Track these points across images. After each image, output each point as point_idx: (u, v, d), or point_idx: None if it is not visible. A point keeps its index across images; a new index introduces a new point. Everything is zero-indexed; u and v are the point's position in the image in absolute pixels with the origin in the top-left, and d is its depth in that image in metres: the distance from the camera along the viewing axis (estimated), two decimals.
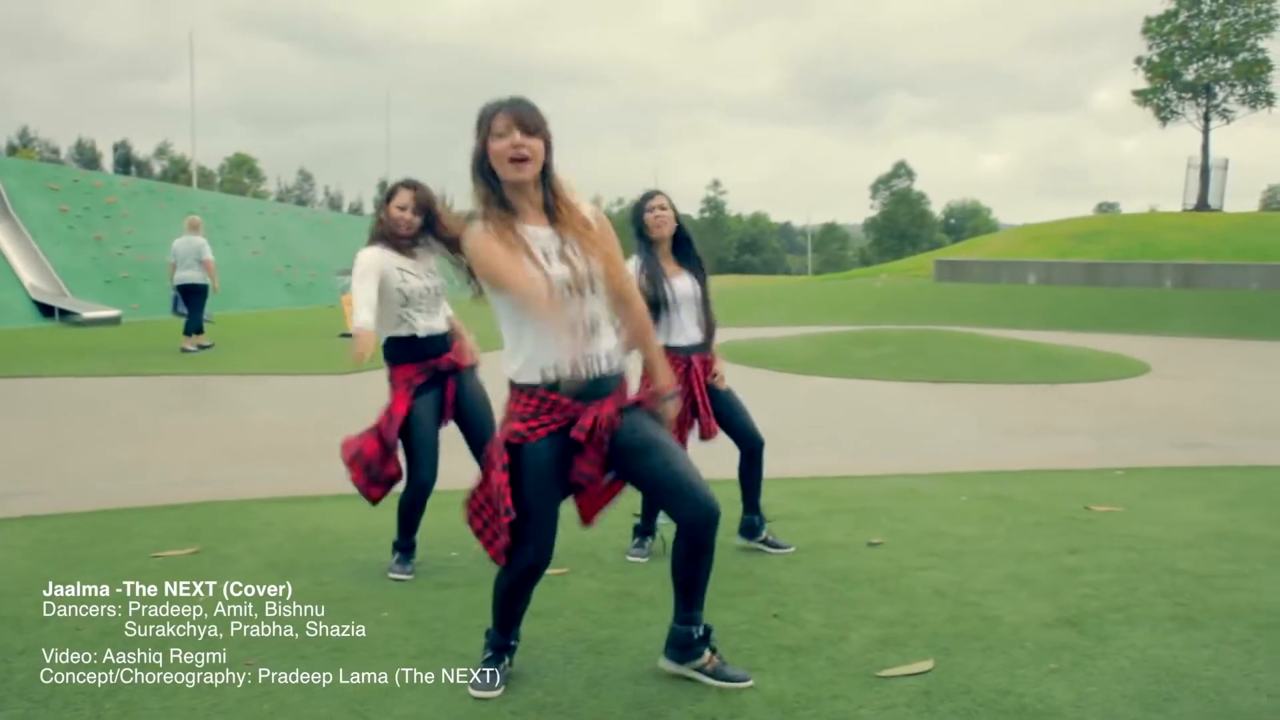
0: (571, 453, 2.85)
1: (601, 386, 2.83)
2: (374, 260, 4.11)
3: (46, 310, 25.48)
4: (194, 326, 15.28)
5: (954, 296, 29.18)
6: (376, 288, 4.08)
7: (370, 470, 4.16)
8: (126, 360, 14.51)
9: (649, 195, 4.45)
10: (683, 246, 4.50)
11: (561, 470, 2.86)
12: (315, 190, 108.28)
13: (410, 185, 4.18)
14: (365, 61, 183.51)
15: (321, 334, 19.52)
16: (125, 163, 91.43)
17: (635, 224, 4.44)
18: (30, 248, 27.41)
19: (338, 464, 6.95)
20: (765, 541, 4.56)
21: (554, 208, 2.85)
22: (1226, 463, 6.96)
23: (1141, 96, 48.46)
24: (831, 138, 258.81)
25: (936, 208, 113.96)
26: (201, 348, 15.13)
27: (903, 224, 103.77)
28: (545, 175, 2.84)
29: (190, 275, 15.15)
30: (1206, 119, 46.70)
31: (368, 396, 10.31)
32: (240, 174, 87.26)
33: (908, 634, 3.37)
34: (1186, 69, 46.72)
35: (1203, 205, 44.73)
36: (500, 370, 2.93)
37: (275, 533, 4.90)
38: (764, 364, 13.16)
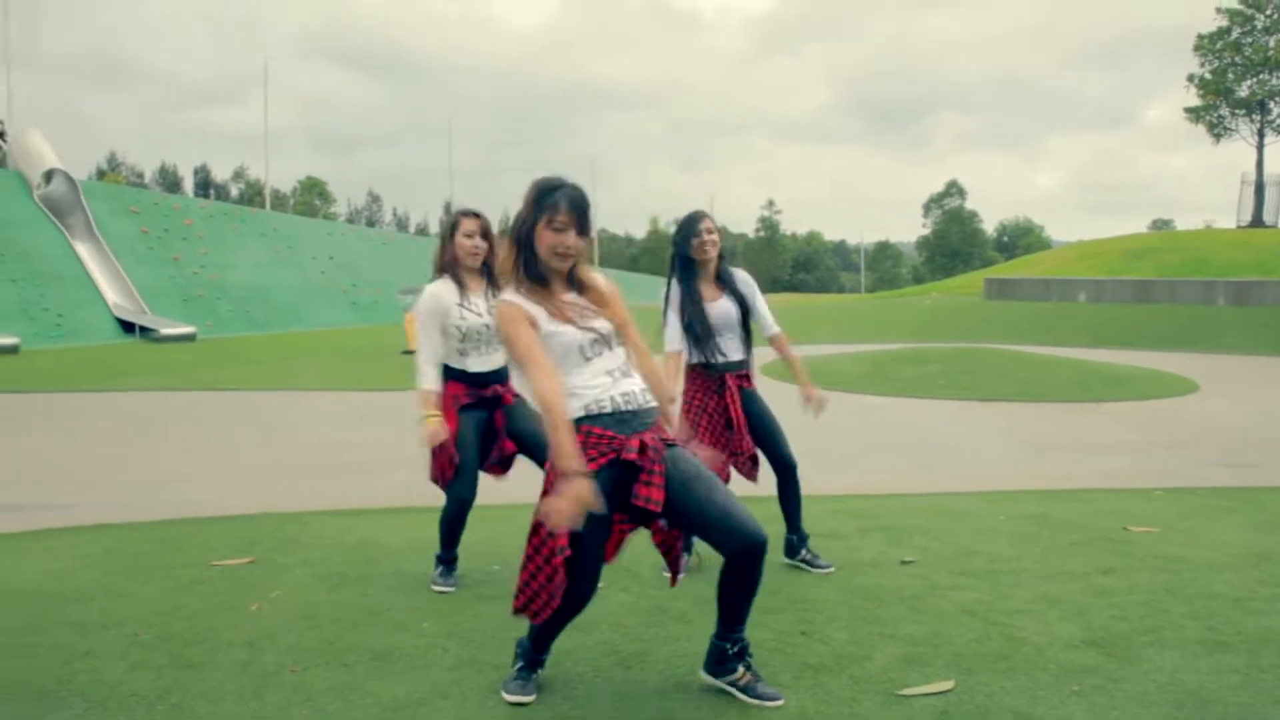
0: (624, 483, 2.95)
1: (640, 419, 2.97)
2: (435, 305, 4.26)
3: (128, 327, 26.37)
4: None
5: (1003, 314, 28.81)
6: (439, 334, 4.24)
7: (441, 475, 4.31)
8: (197, 375, 15.01)
9: (697, 218, 4.50)
10: (723, 268, 4.59)
11: (612, 504, 2.95)
12: (384, 211, 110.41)
13: (474, 214, 4.34)
14: (426, 86, 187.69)
15: (384, 352, 19.91)
16: (205, 186, 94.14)
17: (680, 246, 4.52)
18: (114, 268, 28.41)
19: (389, 478, 7.19)
20: (805, 560, 4.62)
21: (577, 281, 3.02)
22: (1271, 483, 6.83)
23: (1194, 114, 47.76)
24: (882, 156, 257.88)
25: (989, 226, 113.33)
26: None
27: (954, 242, 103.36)
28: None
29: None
30: (1261, 135, 45.84)
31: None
32: (311, 196, 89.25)
33: (931, 653, 3.42)
34: (1240, 85, 45.94)
35: (1257, 222, 43.81)
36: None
37: (325, 544, 5.08)
38: (813, 382, 13.18)
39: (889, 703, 3.00)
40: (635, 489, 2.93)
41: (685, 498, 2.94)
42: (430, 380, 4.24)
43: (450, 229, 4.36)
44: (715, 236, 4.50)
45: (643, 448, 2.92)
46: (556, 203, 2.91)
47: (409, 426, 10.01)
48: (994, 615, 3.84)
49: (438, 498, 4.62)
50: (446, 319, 4.25)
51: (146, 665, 3.36)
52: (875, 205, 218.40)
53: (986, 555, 4.78)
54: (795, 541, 4.67)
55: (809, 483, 5.70)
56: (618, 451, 2.91)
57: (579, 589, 2.96)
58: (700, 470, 3.00)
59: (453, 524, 4.35)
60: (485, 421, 4.34)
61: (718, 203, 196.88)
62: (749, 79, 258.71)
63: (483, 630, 3.70)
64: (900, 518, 5.63)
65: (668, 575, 4.38)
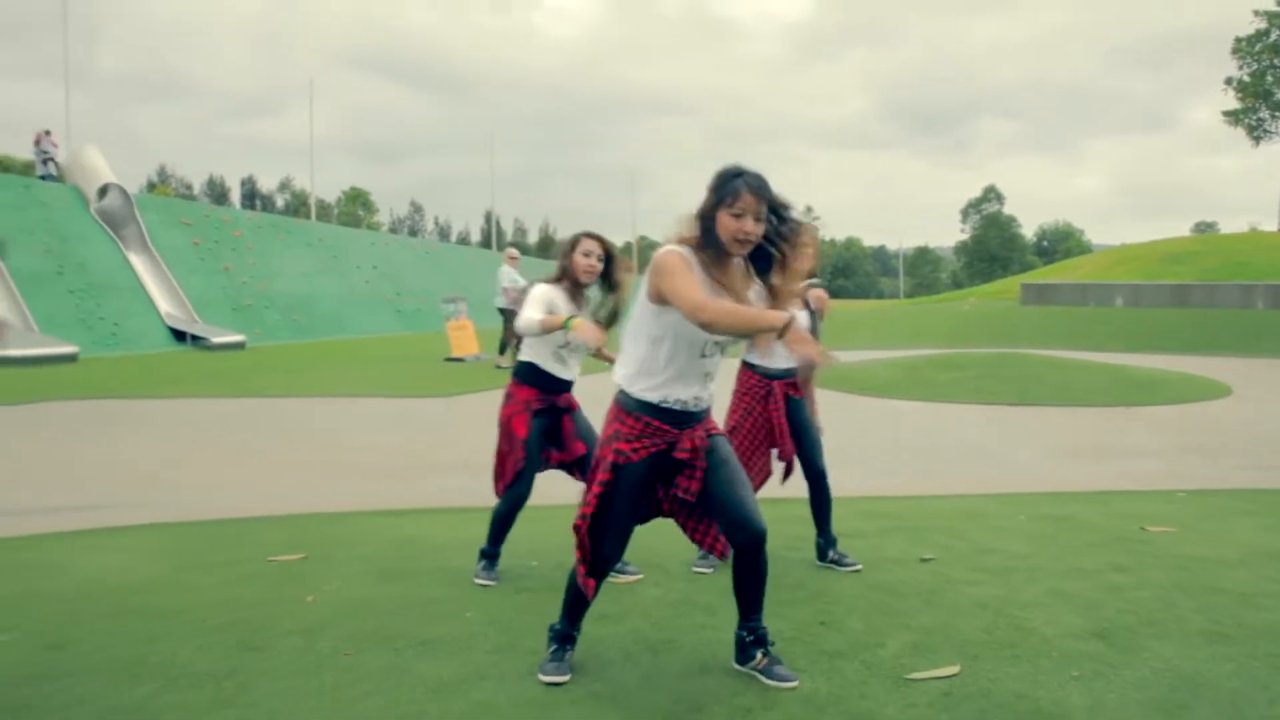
0: (664, 472, 3.26)
1: (697, 417, 3.25)
2: (547, 300, 4.47)
3: (180, 335, 27.03)
4: (504, 346, 16.31)
5: (1039, 320, 28.65)
6: (539, 316, 4.44)
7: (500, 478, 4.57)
8: (247, 382, 15.45)
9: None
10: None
11: (651, 488, 3.27)
12: (426, 221, 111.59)
13: (595, 236, 4.58)
14: (468, 97, 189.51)
15: (428, 359, 20.28)
16: (252, 197, 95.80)
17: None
18: (166, 278, 29.13)
19: (432, 481, 7.47)
20: (833, 561, 4.83)
21: (771, 277, 3.20)
22: None
23: (1233, 117, 47.16)
24: (921, 162, 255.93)
25: (1028, 230, 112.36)
26: (499, 367, 16.12)
27: (993, 247, 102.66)
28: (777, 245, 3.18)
29: (499, 301, 16.24)
30: None
31: (465, 418, 10.83)
32: (355, 206, 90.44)
33: (942, 642, 3.62)
34: (1279, 88, 45.28)
35: None
36: (612, 380, 3.31)
37: (374, 541, 5.37)
38: (845, 387, 13.34)
39: (896, 685, 3.21)
40: (677, 479, 3.23)
41: (712, 478, 3.23)
42: (534, 314, 4.39)
43: (571, 245, 4.58)
44: (812, 251, 4.71)
45: (692, 448, 3.19)
46: (736, 190, 3.06)
47: (452, 431, 10.30)
48: (1005, 608, 4.03)
49: (478, 499, 4.90)
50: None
51: (212, 648, 3.66)
52: (914, 210, 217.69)
53: (1004, 553, 4.96)
54: (824, 545, 4.89)
55: (839, 485, 5.91)
56: (670, 445, 3.19)
57: (606, 548, 3.24)
58: (730, 460, 3.28)
59: (504, 520, 4.61)
60: (550, 427, 4.60)
61: None
62: (788, 86, 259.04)
63: (521, 619, 3.95)
64: (923, 518, 5.82)
65: (700, 570, 4.65)
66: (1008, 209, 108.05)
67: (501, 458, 4.53)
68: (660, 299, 3.11)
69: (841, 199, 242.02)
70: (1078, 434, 10.15)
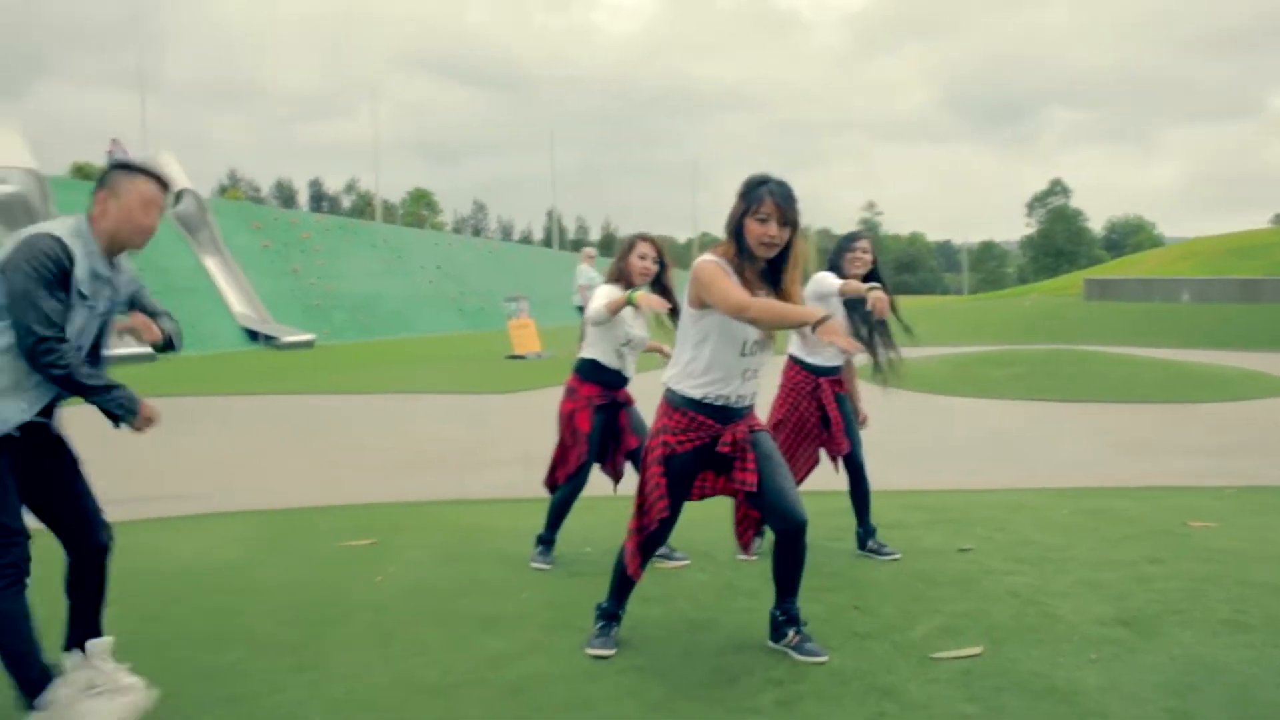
0: (707, 463, 3.51)
1: (740, 413, 3.50)
2: (611, 290, 4.73)
3: (252, 335, 27.89)
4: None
5: (1103, 315, 28.21)
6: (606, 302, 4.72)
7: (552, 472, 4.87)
8: (316, 380, 16.00)
9: (855, 237, 4.98)
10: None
11: (694, 476, 3.54)
12: (489, 220, 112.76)
13: (650, 239, 4.85)
14: (529, 96, 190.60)
15: (490, 357, 20.71)
16: (319, 198, 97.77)
17: (834, 256, 4.96)
18: (239, 279, 30.06)
19: (493, 473, 7.79)
20: (872, 550, 5.03)
21: (783, 290, 3.42)
22: None
23: None
24: (987, 154, 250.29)
25: (1096, 224, 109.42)
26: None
27: (1059, 241, 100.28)
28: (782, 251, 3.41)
29: (576, 299, 16.75)
30: None
31: (525, 414, 11.15)
32: (419, 207, 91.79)
33: (969, 625, 3.82)
34: None
35: None
36: (661, 380, 3.58)
37: (438, 529, 5.70)
38: (898, 383, 13.43)
39: (920, 664, 3.42)
40: (733, 474, 3.48)
41: (758, 473, 3.46)
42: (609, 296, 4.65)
43: (628, 247, 4.84)
44: (868, 257, 4.93)
45: (734, 442, 3.44)
46: (760, 197, 3.31)
47: (512, 426, 10.63)
48: (1036, 596, 4.20)
49: (536, 491, 5.19)
50: (620, 317, 4.70)
51: (290, 621, 4.00)
52: (980, 204, 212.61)
53: (1041, 545, 5.11)
54: (863, 534, 5.08)
55: (884, 479, 6.09)
56: (713, 439, 3.45)
57: (657, 532, 3.54)
58: (773, 454, 3.53)
59: (562, 508, 4.89)
60: (608, 422, 4.86)
61: (818, 204, 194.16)
62: (850, 78, 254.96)
63: (573, 600, 4.22)
64: (965, 511, 5.97)
65: (744, 557, 4.88)
66: (1075, 202, 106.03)
67: (564, 449, 4.81)
68: (701, 305, 3.38)
69: (905, 193, 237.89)
70: (1131, 430, 10.16)
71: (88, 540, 3.11)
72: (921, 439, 9.64)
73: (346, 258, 36.45)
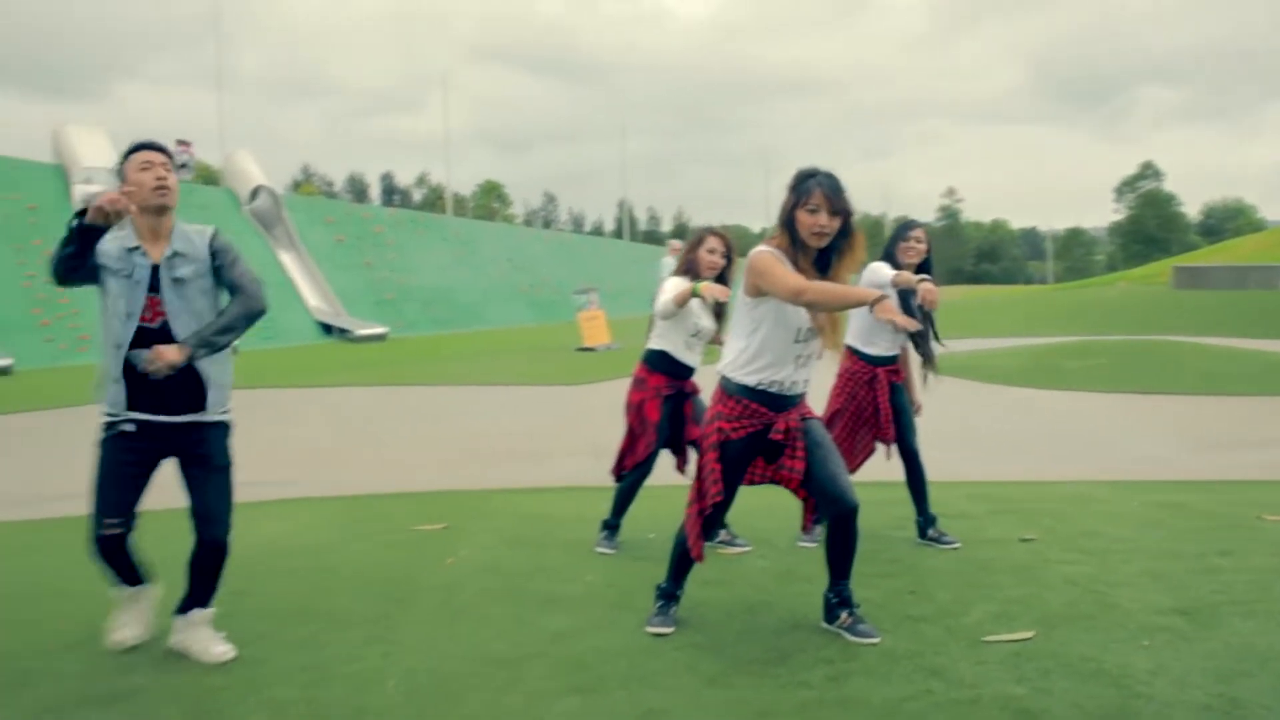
0: (760, 450, 3.63)
1: (792, 401, 3.62)
2: (679, 283, 4.85)
3: (326, 328, 28.59)
4: None
5: (1192, 304, 27.39)
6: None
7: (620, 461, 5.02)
8: (390, 372, 16.40)
9: (910, 226, 5.08)
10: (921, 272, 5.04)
11: (748, 462, 3.65)
12: (559, 211, 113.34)
13: (719, 233, 5.00)
14: (600, 85, 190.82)
15: (561, 349, 20.96)
16: (390, 192, 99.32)
17: (890, 245, 5.06)
18: (314, 274, 30.83)
19: (561, 463, 7.97)
20: (932, 539, 5.08)
21: (829, 267, 3.54)
22: None
23: None
24: (1076, 137, 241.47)
25: (1192, 209, 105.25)
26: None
27: (1151, 227, 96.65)
28: (835, 240, 3.52)
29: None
30: None
31: (594, 405, 11.33)
32: (489, 199, 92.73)
33: (1023, 612, 3.87)
34: None
35: None
36: (716, 369, 3.71)
37: (506, 515, 5.89)
38: (972, 375, 13.33)
39: (971, 646, 3.50)
40: (782, 460, 3.60)
41: (809, 456, 3.59)
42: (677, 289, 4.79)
43: (697, 241, 4.98)
44: (922, 246, 5.02)
45: (787, 430, 3.56)
46: (810, 189, 3.45)
47: (581, 418, 10.83)
48: (1094, 585, 4.22)
49: (603, 480, 5.33)
50: (689, 309, 4.84)
51: (365, 598, 4.21)
52: (1068, 189, 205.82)
53: (1107, 536, 5.10)
54: (923, 523, 5.13)
55: (951, 470, 6.13)
56: (766, 427, 3.56)
57: (713, 514, 3.67)
58: (824, 441, 3.64)
59: (628, 495, 5.05)
60: (674, 411, 4.99)
61: (895, 191, 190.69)
62: (930, 59, 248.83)
63: (635, 583, 4.36)
64: (1032, 502, 5.97)
65: (804, 545, 4.97)
66: (1169, 185, 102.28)
67: (633, 438, 4.95)
68: (756, 293, 3.50)
69: (987, 178, 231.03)
70: (1213, 424, 9.97)
71: (201, 534, 3.51)
72: (993, 431, 9.60)
73: (418, 251, 37.09)
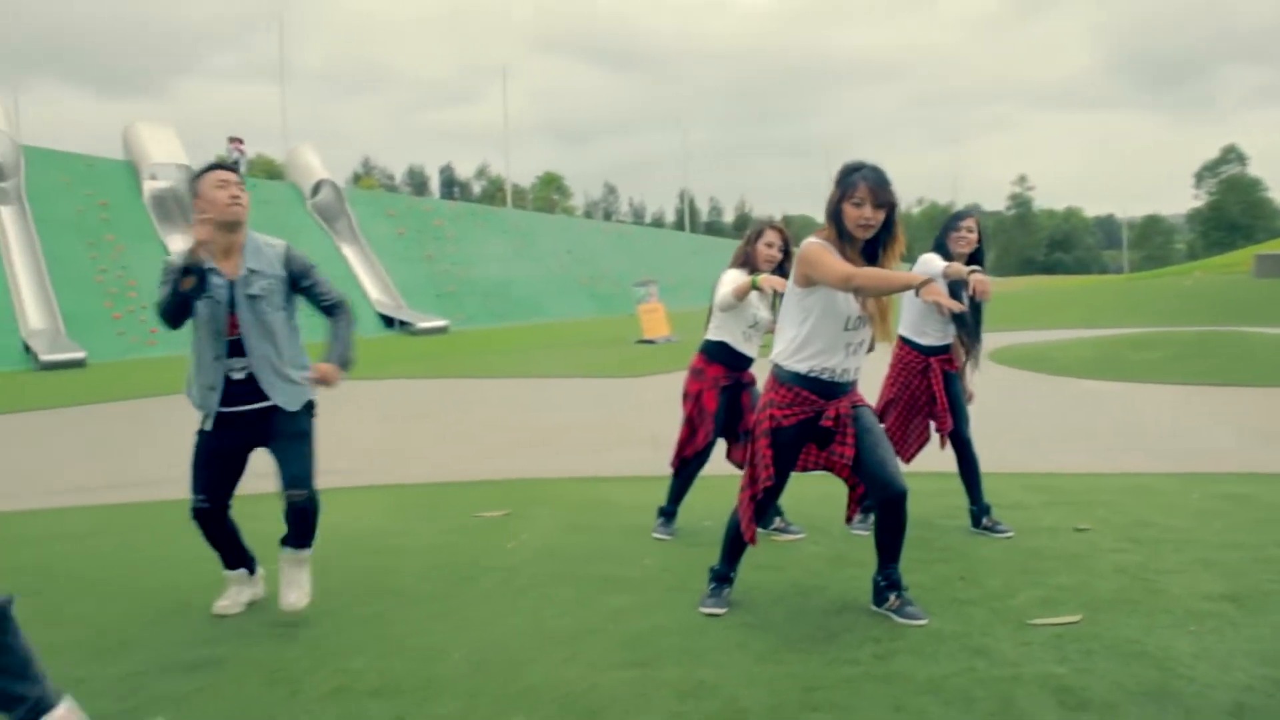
0: (811, 437, 3.75)
1: (843, 388, 3.73)
2: (737, 276, 4.99)
3: (388, 321, 29.12)
4: None
5: (1273, 294, 26.62)
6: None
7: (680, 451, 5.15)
8: (451, 364, 16.72)
9: (963, 215, 5.16)
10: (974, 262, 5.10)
11: (799, 449, 3.78)
12: (620, 202, 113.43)
13: (778, 228, 5.14)
14: (660, 74, 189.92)
15: (620, 342, 21.15)
16: (450, 184, 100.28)
17: (940, 236, 5.13)
18: (375, 267, 31.41)
19: (620, 453, 8.13)
20: (986, 528, 5.14)
21: (876, 258, 3.66)
22: None
23: None
24: (1154, 120, 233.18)
25: (1279, 194, 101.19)
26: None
27: (1234, 214, 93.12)
28: (880, 232, 3.64)
29: None
30: None
31: (653, 397, 11.48)
32: (549, 191, 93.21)
33: (1071, 597, 3.92)
34: None
35: None
36: (769, 359, 3.85)
37: (567, 502, 6.06)
38: (1036, 367, 13.23)
39: (1017, 629, 3.57)
40: (833, 446, 3.73)
41: (858, 443, 3.71)
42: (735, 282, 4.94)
43: (755, 235, 5.12)
44: (973, 236, 5.08)
45: (837, 416, 3.68)
46: (855, 183, 3.56)
47: (640, 409, 10.98)
48: (1144, 573, 4.25)
49: (661, 469, 5.48)
50: (748, 300, 4.98)
51: (431, 579, 4.42)
52: (1145, 175, 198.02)
53: (1161, 527, 5.09)
54: (976, 512, 5.19)
55: (1010, 461, 6.15)
56: (817, 414, 3.69)
57: (764, 499, 3.80)
58: (873, 427, 3.76)
59: (684, 483, 5.19)
60: (731, 401, 5.12)
61: (964, 179, 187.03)
62: (1001, 42, 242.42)
63: (690, 567, 4.49)
64: (1089, 494, 5.97)
65: (858, 532, 5.06)
66: (1255, 170, 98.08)
67: (692, 428, 5.08)
68: (807, 283, 3.62)
69: (1062, 165, 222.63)
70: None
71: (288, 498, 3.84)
72: (1054, 423, 9.56)
73: (478, 244, 37.55)
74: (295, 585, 3.87)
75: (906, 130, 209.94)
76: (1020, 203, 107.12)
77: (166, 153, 32.22)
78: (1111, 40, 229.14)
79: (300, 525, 3.85)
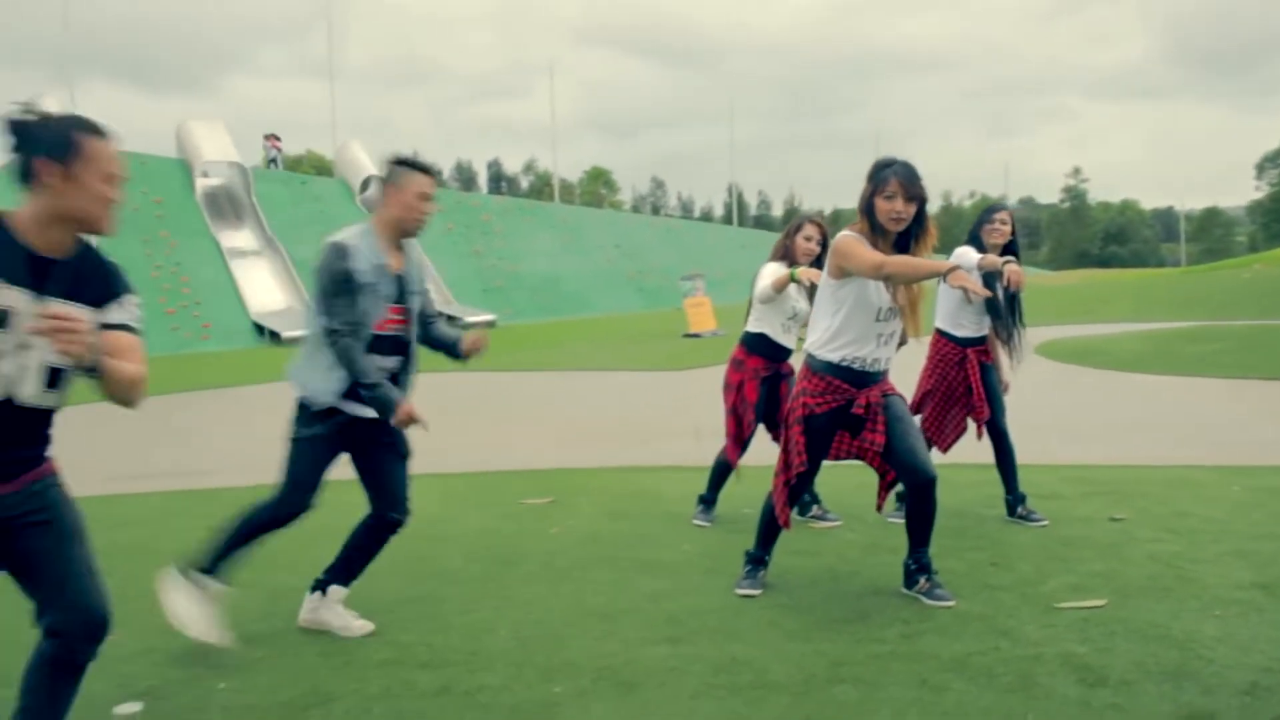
0: (843, 424, 3.87)
1: (874, 377, 3.86)
2: (776, 269, 5.11)
3: None
4: None
5: None
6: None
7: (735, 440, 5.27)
8: (499, 358, 16.96)
9: (996, 209, 5.26)
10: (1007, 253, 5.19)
11: (832, 436, 3.90)
12: (668, 196, 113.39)
13: (817, 222, 5.27)
14: (708, 66, 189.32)
15: (667, 336, 21.29)
16: (497, 179, 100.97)
17: (974, 228, 5.22)
18: (423, 262, 31.87)
19: (663, 444, 8.27)
20: (1021, 517, 5.22)
21: (907, 250, 3.79)
22: None
23: None
24: (1215, 109, 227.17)
25: None
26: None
27: None
28: (912, 225, 3.76)
29: None
30: None
31: (697, 390, 11.60)
32: (597, 185, 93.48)
33: (1101, 584, 4.00)
34: None
35: None
36: (804, 348, 3.99)
37: (611, 491, 6.23)
38: (1085, 361, 13.15)
39: (1043, 612, 3.67)
40: (864, 434, 3.85)
41: (889, 431, 3.82)
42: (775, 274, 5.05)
43: (794, 229, 5.25)
44: (1006, 229, 5.17)
45: (868, 405, 3.80)
46: (886, 178, 3.70)
47: (684, 401, 11.10)
48: (1177, 561, 4.31)
49: (704, 460, 5.61)
50: (787, 292, 5.10)
51: (477, 559, 4.63)
52: (1205, 166, 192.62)
53: (1199, 518, 5.13)
54: (1012, 501, 5.27)
55: (1051, 453, 6.17)
56: (848, 402, 3.81)
57: (798, 484, 3.94)
58: (904, 415, 3.88)
59: (724, 471, 5.33)
60: (770, 392, 5.23)
61: (1017, 171, 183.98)
62: (1056, 30, 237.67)
63: (729, 553, 4.61)
64: (1128, 485, 5.99)
65: (894, 520, 5.16)
66: None
67: (738, 417, 5.20)
68: (841, 274, 3.75)
69: (1117, 156, 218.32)
70: None
71: (383, 512, 3.73)
72: (1099, 417, 9.53)
73: (526, 239, 37.88)
74: (350, 615, 3.75)
75: (959, 122, 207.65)
76: (1074, 195, 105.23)
77: (218, 150, 32.94)
78: (1170, 27, 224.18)
79: (377, 549, 3.79)
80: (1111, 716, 2.80)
